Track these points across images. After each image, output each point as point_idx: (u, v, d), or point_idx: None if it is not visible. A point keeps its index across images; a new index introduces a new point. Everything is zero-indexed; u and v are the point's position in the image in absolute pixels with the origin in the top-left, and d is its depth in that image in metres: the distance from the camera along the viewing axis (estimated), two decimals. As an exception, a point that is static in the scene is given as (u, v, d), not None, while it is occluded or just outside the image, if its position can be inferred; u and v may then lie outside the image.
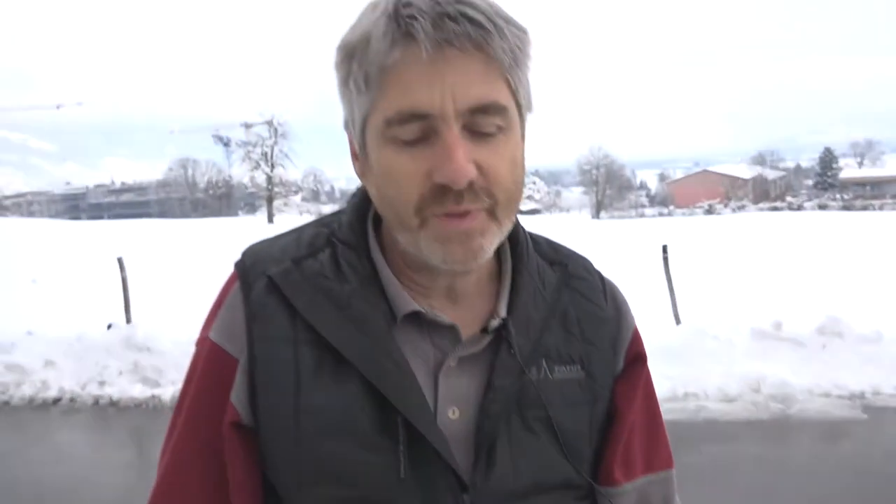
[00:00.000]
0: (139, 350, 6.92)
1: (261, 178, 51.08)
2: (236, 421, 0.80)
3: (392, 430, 0.77)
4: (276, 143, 50.79)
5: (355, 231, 0.86)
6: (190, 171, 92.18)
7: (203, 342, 0.84)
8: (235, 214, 78.79)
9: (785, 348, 6.46)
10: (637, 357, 0.93)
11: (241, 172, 54.01)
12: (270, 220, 48.28)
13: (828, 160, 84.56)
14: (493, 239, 0.77)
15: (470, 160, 0.72)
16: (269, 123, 51.10)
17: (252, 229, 35.43)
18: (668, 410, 6.06)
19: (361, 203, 0.88)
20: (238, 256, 0.87)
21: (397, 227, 0.78)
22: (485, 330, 0.83)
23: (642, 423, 0.92)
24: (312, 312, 0.79)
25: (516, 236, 0.88)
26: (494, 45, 0.72)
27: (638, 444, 0.91)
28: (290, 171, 53.33)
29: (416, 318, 0.82)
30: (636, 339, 0.94)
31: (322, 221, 0.91)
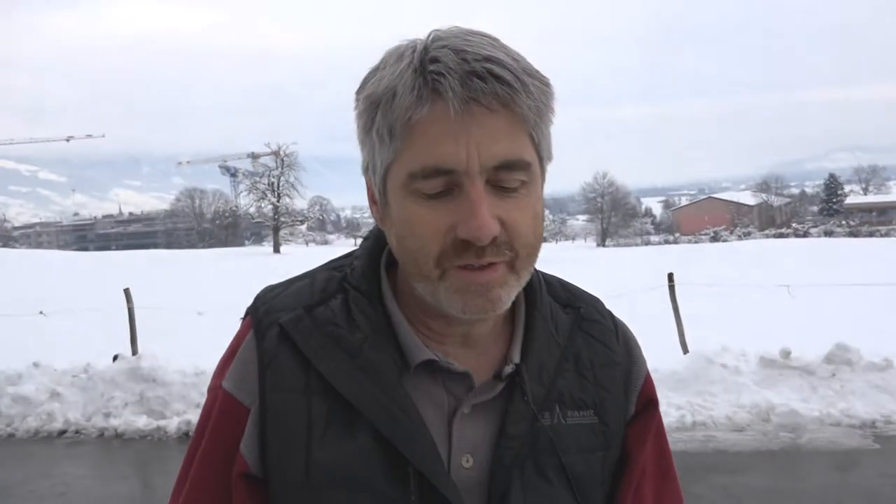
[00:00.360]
0: (145, 381, 6.90)
1: (267, 209, 51.17)
2: (245, 471, 0.80)
3: (404, 481, 0.77)
4: (282, 173, 50.98)
5: (368, 276, 0.86)
6: (197, 202, 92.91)
7: (215, 390, 0.84)
8: (242, 244, 79.12)
9: (794, 377, 6.40)
10: (648, 402, 0.94)
11: (247, 203, 53.94)
12: (277, 249, 48.36)
13: (833, 186, 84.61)
14: (512, 291, 0.78)
15: (493, 216, 0.73)
16: (276, 154, 51.40)
17: (258, 259, 35.54)
18: (676, 440, 5.99)
19: (374, 246, 0.89)
20: (251, 302, 0.87)
21: (415, 276, 0.78)
22: (498, 376, 0.84)
23: (653, 467, 0.93)
24: (323, 362, 0.80)
25: (530, 280, 0.88)
26: (520, 103, 0.73)
27: (649, 488, 0.92)
28: (297, 201, 53.42)
29: (430, 365, 0.82)
30: (648, 384, 0.95)
31: (335, 265, 0.91)
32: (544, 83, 0.76)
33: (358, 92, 0.79)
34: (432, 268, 0.75)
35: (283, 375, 0.80)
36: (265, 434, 0.79)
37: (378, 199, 0.81)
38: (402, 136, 0.74)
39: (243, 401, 0.81)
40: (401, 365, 0.81)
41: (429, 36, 0.76)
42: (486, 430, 0.82)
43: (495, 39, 0.76)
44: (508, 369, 0.83)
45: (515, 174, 0.75)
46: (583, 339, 0.91)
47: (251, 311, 0.86)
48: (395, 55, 0.76)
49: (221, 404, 0.82)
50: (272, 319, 0.83)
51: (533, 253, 0.78)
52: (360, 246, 0.91)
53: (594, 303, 0.97)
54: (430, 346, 0.83)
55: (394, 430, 0.78)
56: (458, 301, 0.76)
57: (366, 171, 0.82)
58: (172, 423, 6.47)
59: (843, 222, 66.32)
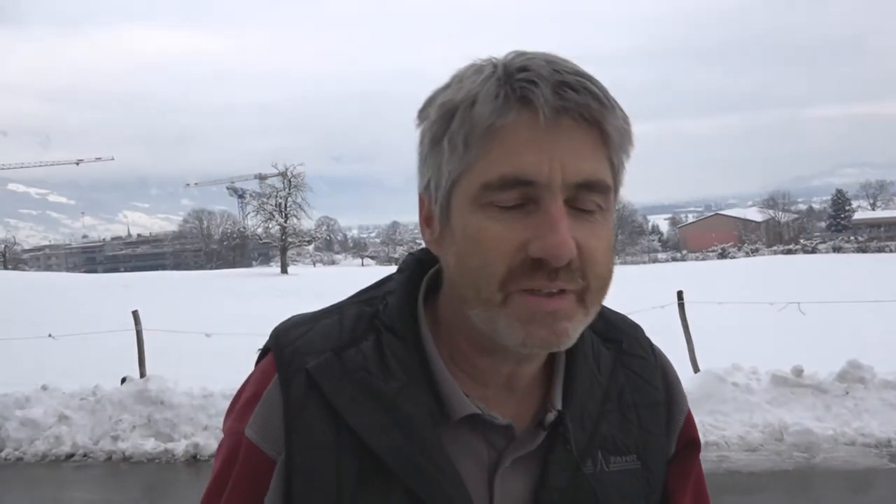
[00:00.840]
0: (153, 404, 6.88)
1: (275, 229, 51.36)
2: None
3: None
4: (289, 194, 51.25)
5: (404, 316, 0.80)
6: (205, 223, 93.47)
7: (237, 436, 0.79)
8: (249, 265, 79.33)
9: (806, 395, 6.33)
10: (690, 442, 0.91)
11: (255, 223, 54.17)
12: (284, 270, 48.47)
13: (840, 202, 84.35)
14: (579, 326, 0.72)
15: (571, 236, 0.68)
16: (283, 175, 51.68)
17: (266, 280, 35.60)
18: (688, 461, 5.90)
19: (411, 279, 0.83)
20: (273, 340, 0.82)
21: (474, 301, 0.72)
22: (540, 424, 0.80)
23: None
24: (354, 415, 0.75)
25: None
26: (609, 123, 0.70)
27: None
28: (304, 222, 53.63)
29: (471, 417, 0.77)
30: (689, 423, 0.92)
31: (366, 297, 0.85)
32: (626, 115, 0.73)
33: (424, 108, 0.75)
34: (495, 290, 0.70)
35: (311, 430, 0.75)
36: (291, 492, 0.75)
37: (437, 217, 0.76)
38: (480, 144, 0.69)
39: (269, 452, 0.76)
40: (438, 417, 0.76)
41: (507, 55, 0.72)
42: (525, 482, 0.79)
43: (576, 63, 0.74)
44: (551, 417, 0.79)
45: (595, 196, 0.71)
46: (625, 377, 0.87)
47: (276, 352, 0.80)
48: (472, 69, 0.73)
49: (246, 453, 0.77)
50: (299, 364, 0.77)
51: (604, 287, 0.73)
52: (395, 279, 0.85)
53: (635, 333, 0.92)
54: (470, 393, 0.78)
55: (430, 492, 0.73)
56: (521, 331, 0.70)
57: (426, 188, 0.76)
58: (180, 446, 6.43)
59: (852, 238, 66.02)
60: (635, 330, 0.94)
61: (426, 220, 0.79)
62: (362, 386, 0.76)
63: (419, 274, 0.84)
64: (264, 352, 0.84)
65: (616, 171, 0.73)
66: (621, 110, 0.71)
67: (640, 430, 0.85)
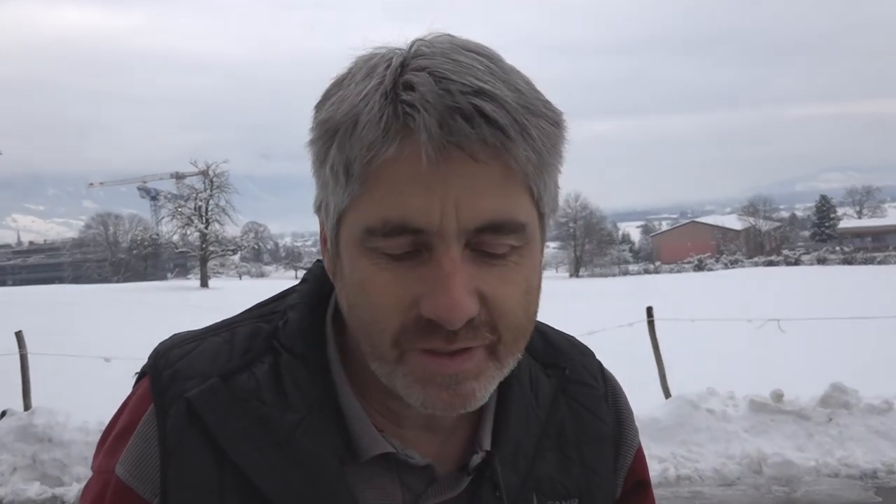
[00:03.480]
0: (39, 441, 6.63)
1: (194, 236, 50.56)
2: None
3: None
4: (211, 195, 50.55)
5: (307, 333, 0.78)
6: (111, 229, 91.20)
7: (106, 474, 0.76)
8: (164, 277, 77.98)
9: (787, 422, 6.49)
10: (639, 483, 0.91)
11: (170, 230, 53.31)
12: (204, 283, 47.66)
13: (825, 209, 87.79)
14: (490, 383, 0.70)
15: (472, 290, 0.66)
16: (204, 174, 50.96)
17: (182, 295, 34.86)
18: (659, 497, 5.93)
19: (316, 290, 0.81)
20: (151, 361, 0.79)
21: (369, 355, 0.71)
22: (465, 467, 0.79)
23: None
24: (242, 453, 0.72)
25: None
26: (516, 153, 0.65)
27: None
28: (228, 228, 52.96)
29: (385, 456, 0.76)
30: (639, 461, 0.91)
31: (262, 312, 0.83)
32: (552, 121, 0.68)
33: (317, 107, 0.71)
34: (388, 348, 0.68)
35: (190, 469, 0.72)
36: None
37: (330, 248, 0.74)
38: (361, 179, 0.66)
39: (142, 493, 0.73)
40: (345, 455, 0.74)
41: (411, 46, 0.68)
42: None
43: (494, 60, 0.68)
44: (477, 459, 0.78)
45: (503, 238, 0.67)
46: (567, 408, 0.86)
47: (153, 376, 0.77)
48: (366, 69, 0.68)
49: (116, 495, 0.74)
50: (178, 391, 0.74)
51: (521, 336, 0.71)
52: (298, 290, 0.82)
53: (582, 359, 0.92)
54: (385, 429, 0.76)
55: None
56: (419, 393, 0.68)
57: (318, 209, 0.74)
58: (72, 491, 6.20)
59: (837, 248, 68.77)
60: (582, 354, 0.93)
61: (323, 239, 0.77)
62: (253, 418, 0.73)
63: (328, 286, 0.81)
64: (142, 375, 0.80)
65: (538, 199, 0.70)
66: (544, 122, 0.67)
67: (583, 468, 0.84)
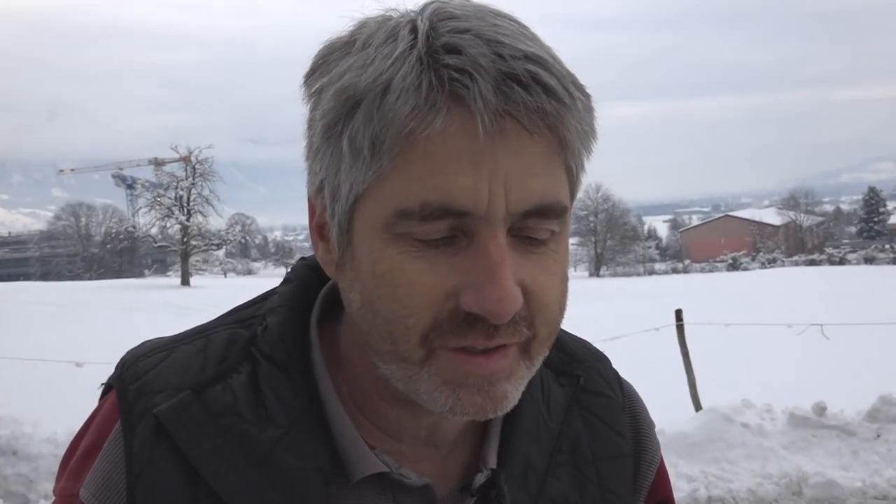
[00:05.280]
0: (2, 454, 6.69)
1: (174, 229, 50.64)
2: None
3: None
4: (193, 184, 50.59)
5: (287, 340, 0.77)
6: (83, 220, 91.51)
7: (69, 499, 0.76)
8: (141, 274, 78.11)
9: (830, 438, 6.47)
10: (662, 502, 0.92)
11: (148, 221, 53.21)
12: (186, 281, 47.77)
13: (873, 203, 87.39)
14: (521, 384, 0.71)
15: (517, 281, 0.65)
16: (186, 160, 51.02)
17: (161, 294, 34.96)
18: (687, 522, 5.98)
19: (300, 292, 0.81)
20: (117, 372, 0.79)
21: (388, 356, 0.69)
22: (467, 487, 0.78)
23: None
24: (216, 473, 0.72)
25: None
26: (569, 124, 0.65)
27: None
28: (212, 220, 52.96)
29: (377, 476, 0.75)
30: (661, 479, 0.92)
31: (240, 317, 0.83)
32: (588, 97, 0.69)
33: (314, 75, 0.70)
34: (415, 346, 0.67)
35: (159, 493, 0.72)
36: None
37: (335, 236, 0.72)
38: (394, 154, 0.64)
39: None
40: (331, 474, 0.74)
41: (426, 7, 0.67)
42: None
43: (524, 25, 0.68)
44: (481, 478, 0.78)
45: (547, 223, 0.67)
46: (582, 420, 0.87)
47: (119, 389, 0.77)
48: (384, 31, 0.67)
49: None
50: (146, 406, 0.74)
51: (553, 333, 0.71)
52: (279, 292, 0.82)
53: (598, 366, 0.92)
54: (378, 445, 0.76)
55: None
56: (448, 396, 0.67)
57: (318, 190, 0.72)
58: (38, 510, 6.24)
59: (887, 246, 68.43)
60: (599, 362, 0.93)
61: (319, 229, 0.75)
62: (229, 434, 0.73)
63: (314, 286, 0.81)
64: (108, 388, 0.80)
65: (574, 180, 0.71)
66: (583, 95, 0.68)
67: (601, 488, 0.85)
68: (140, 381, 0.76)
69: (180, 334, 0.82)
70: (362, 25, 0.69)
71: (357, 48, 0.67)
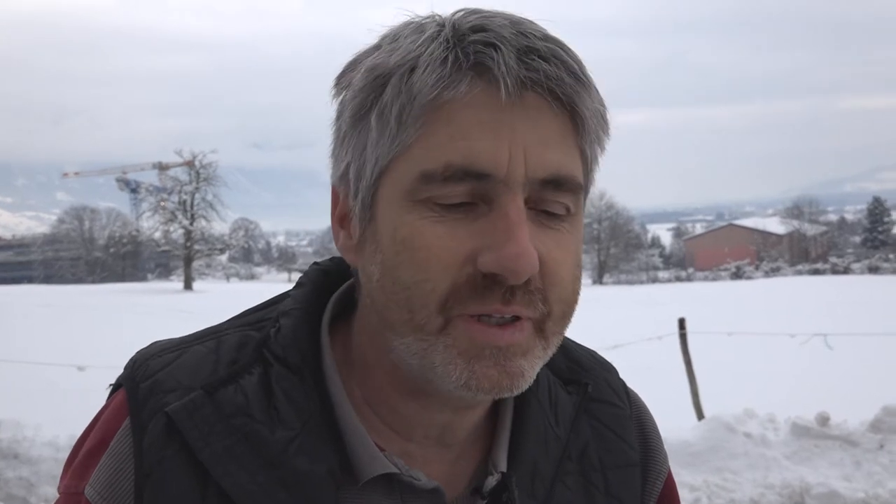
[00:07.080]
0: (3, 457, 6.69)
1: (177, 233, 50.65)
2: None
3: None
4: (197, 188, 50.64)
5: (300, 342, 0.78)
6: (86, 224, 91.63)
7: (75, 497, 0.76)
8: (144, 278, 78.27)
9: (833, 449, 6.46)
10: None
11: (152, 225, 53.27)
12: (188, 285, 47.79)
13: (878, 212, 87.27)
14: (536, 363, 0.72)
15: (534, 247, 0.68)
16: (190, 165, 51.09)
17: (164, 298, 35.00)
18: (688, 532, 5.96)
19: (313, 296, 0.82)
20: (128, 371, 0.79)
21: (404, 326, 0.70)
22: (478, 489, 0.79)
23: None
24: (227, 473, 0.72)
25: None
26: (584, 103, 0.69)
27: None
28: (216, 224, 53.02)
29: (387, 477, 0.76)
30: (669, 489, 0.92)
31: (252, 319, 0.84)
32: (599, 93, 0.73)
33: (344, 74, 0.74)
34: (434, 312, 0.68)
35: (168, 492, 0.73)
36: None
37: (357, 215, 0.74)
38: (420, 121, 0.68)
39: None
40: (341, 476, 0.74)
41: (456, 12, 0.72)
42: None
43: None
44: (492, 482, 0.78)
45: (563, 196, 0.70)
46: (591, 430, 0.87)
47: (129, 388, 0.78)
48: (410, 28, 0.71)
49: None
50: (157, 405, 0.75)
51: (568, 314, 0.74)
52: (292, 295, 0.83)
53: (606, 375, 0.93)
54: (388, 446, 0.76)
55: None
56: (463, 369, 0.68)
57: (342, 177, 0.75)
58: (39, 513, 6.24)
59: (891, 256, 68.31)
60: (607, 371, 0.94)
61: (341, 219, 0.78)
62: (240, 435, 0.73)
63: (326, 290, 0.82)
64: (117, 386, 0.81)
65: (588, 166, 0.73)
66: (597, 90, 0.71)
67: (608, 497, 0.85)
68: (151, 379, 0.77)
69: (191, 335, 0.83)
70: (387, 31, 0.74)
71: (384, 43, 0.72)
